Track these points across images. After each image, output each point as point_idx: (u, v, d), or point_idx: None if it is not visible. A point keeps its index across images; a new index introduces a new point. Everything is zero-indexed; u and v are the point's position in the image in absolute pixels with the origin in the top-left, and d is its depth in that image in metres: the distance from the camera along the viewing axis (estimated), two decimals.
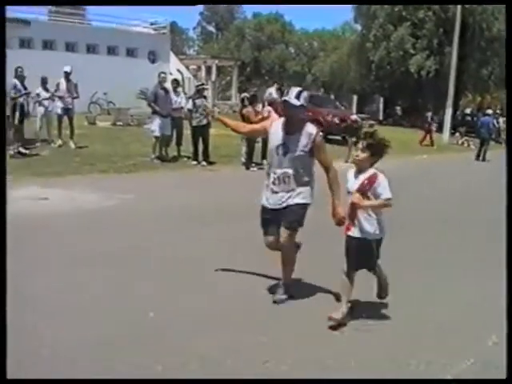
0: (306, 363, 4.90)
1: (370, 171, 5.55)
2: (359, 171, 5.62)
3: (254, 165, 16.83)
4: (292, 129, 6.19)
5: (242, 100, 18.00)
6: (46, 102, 18.53)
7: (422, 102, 44.82)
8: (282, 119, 6.37)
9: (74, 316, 5.76)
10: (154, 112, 16.75)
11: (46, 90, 18.57)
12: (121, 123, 27.48)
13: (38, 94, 18.25)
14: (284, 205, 6.27)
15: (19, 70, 17.00)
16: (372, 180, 5.50)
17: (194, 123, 16.91)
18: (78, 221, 9.77)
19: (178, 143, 17.67)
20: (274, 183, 6.29)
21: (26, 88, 16.94)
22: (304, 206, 6.27)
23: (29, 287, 6.48)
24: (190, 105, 17.13)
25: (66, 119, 18.35)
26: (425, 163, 22.82)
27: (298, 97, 6.13)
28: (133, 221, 9.93)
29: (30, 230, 9.03)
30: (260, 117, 16.78)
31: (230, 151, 17.82)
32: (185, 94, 19.68)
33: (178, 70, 36.51)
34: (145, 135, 19.11)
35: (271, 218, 6.36)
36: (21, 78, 16.86)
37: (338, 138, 24.98)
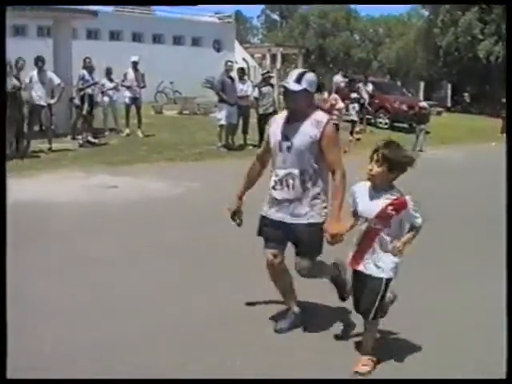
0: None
1: (394, 193, 4.46)
2: (375, 190, 4.51)
3: None
4: (296, 118, 5.03)
5: None
6: (110, 92, 18.77)
7: (491, 88, 43.84)
8: (285, 112, 5.21)
9: (150, 303, 5.81)
10: (221, 100, 16.79)
11: (111, 80, 18.81)
12: (187, 112, 27.64)
13: (102, 85, 18.48)
14: (290, 221, 5.08)
15: (87, 60, 17.24)
16: (400, 207, 4.43)
17: (261, 111, 16.93)
18: (146, 209, 9.88)
19: (245, 131, 17.67)
20: (274, 188, 5.15)
21: (93, 78, 17.18)
22: (317, 226, 5.01)
23: (100, 273, 6.57)
24: (256, 93, 17.11)
25: (133, 108, 18.56)
26: (492, 151, 22.26)
27: (298, 80, 4.96)
28: (199, 209, 9.96)
29: (101, 218, 9.18)
30: (328, 104, 16.73)
31: None
32: (251, 82, 19.65)
33: (243, 59, 36.56)
34: (211, 124, 19.18)
35: (273, 231, 5.20)
36: (89, 68, 17.10)
37: (405, 125, 24.70)
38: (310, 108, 5.06)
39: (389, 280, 4.57)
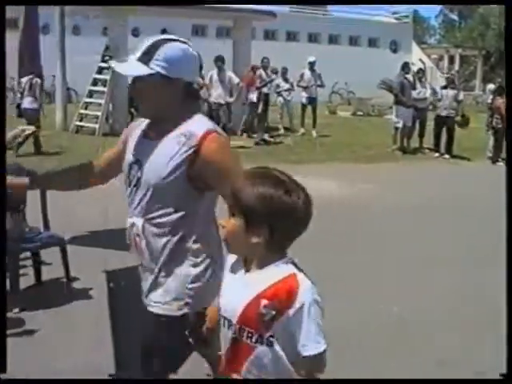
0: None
1: (279, 272, 2.17)
2: (248, 266, 2.27)
3: (501, 159, 16.02)
4: (155, 128, 2.90)
5: (494, 92, 17.30)
6: (284, 93, 18.97)
7: None
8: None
9: None
10: (398, 102, 16.52)
11: (286, 80, 19.02)
12: (361, 113, 27.51)
13: (277, 85, 18.71)
14: (147, 303, 2.97)
15: (265, 60, 17.56)
16: (284, 301, 2.11)
17: (439, 113, 16.48)
18: (318, 209, 9.85)
19: (421, 135, 17.23)
20: (130, 248, 3.02)
21: (269, 77, 17.49)
22: (171, 321, 2.85)
23: None
24: (439, 95, 16.67)
25: (308, 108, 18.69)
26: None
27: (146, 57, 2.78)
28: (371, 212, 9.82)
29: None
30: (501, 109, 16.06)
31: (475, 144, 17.13)
32: (429, 84, 19.22)
33: (420, 60, 35.83)
34: (385, 125, 18.95)
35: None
36: (265, 68, 17.41)
37: None
38: (180, 111, 2.89)
39: None
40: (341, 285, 6.33)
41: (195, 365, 3.34)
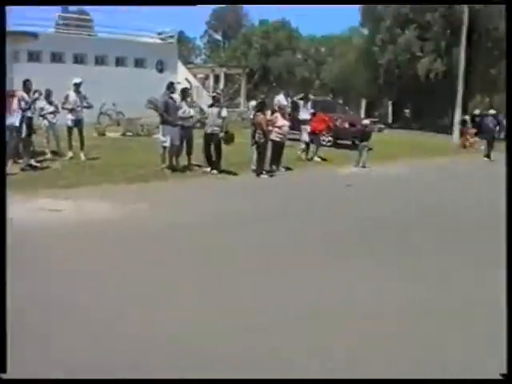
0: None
1: None
2: None
3: (264, 172, 16.81)
4: None
5: (255, 108, 18.12)
6: (49, 116, 18.47)
7: (431, 104, 44.68)
8: None
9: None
10: (164, 122, 16.74)
11: (50, 102, 18.54)
12: (130, 133, 27.49)
13: (41, 108, 18.19)
14: None
15: (27, 83, 17.01)
16: None
17: (206, 130, 16.97)
18: (91, 231, 9.76)
19: (188, 152, 17.58)
20: None
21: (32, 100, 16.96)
22: None
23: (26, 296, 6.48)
24: (206, 113, 17.13)
25: (75, 131, 18.36)
26: (433, 165, 22.71)
27: None
28: (143, 230, 9.90)
29: (44, 242, 9.03)
30: (270, 122, 16.92)
31: (241, 158, 17.81)
32: (193, 102, 19.67)
33: (186, 79, 36.58)
34: (155, 145, 19.12)
35: None
36: (28, 91, 16.87)
37: (348, 142, 25.03)
38: None
39: None
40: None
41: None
